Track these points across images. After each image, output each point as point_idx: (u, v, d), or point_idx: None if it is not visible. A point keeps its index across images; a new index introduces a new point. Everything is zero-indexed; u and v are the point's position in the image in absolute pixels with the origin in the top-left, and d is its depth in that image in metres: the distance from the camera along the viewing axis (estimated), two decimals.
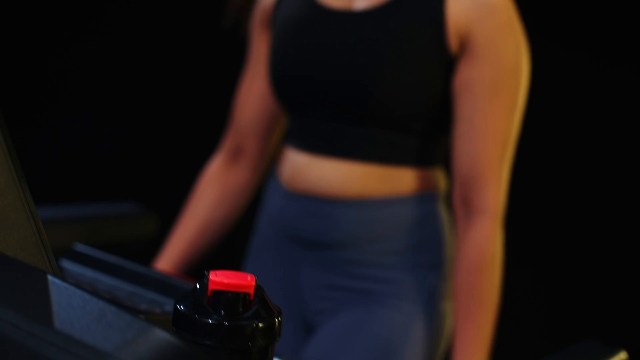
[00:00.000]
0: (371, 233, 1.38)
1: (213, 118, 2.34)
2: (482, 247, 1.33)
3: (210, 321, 0.65)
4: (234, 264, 2.14)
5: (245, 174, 1.62)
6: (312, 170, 1.42)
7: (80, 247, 1.18)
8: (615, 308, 2.72)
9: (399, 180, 1.39)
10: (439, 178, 1.45)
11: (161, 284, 1.01)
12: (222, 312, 0.66)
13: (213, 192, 1.62)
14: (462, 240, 1.36)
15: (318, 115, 1.41)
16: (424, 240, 1.41)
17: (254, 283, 0.68)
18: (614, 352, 0.96)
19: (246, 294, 0.67)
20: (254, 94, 1.57)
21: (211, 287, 0.67)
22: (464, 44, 1.33)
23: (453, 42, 1.33)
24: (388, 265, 1.40)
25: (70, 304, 0.55)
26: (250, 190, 1.64)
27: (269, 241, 1.50)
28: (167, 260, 1.59)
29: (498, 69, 1.31)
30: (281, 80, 1.45)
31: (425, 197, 1.41)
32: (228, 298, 0.66)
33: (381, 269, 1.40)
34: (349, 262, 1.40)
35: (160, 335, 0.53)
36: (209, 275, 0.68)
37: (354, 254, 1.40)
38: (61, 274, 0.85)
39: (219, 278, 0.67)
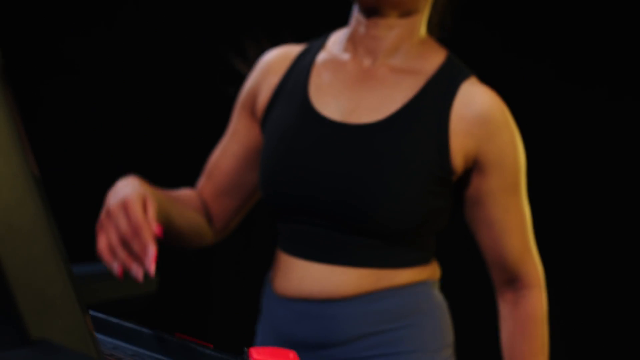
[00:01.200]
0: (369, 327, 1.38)
1: None
2: (537, 317, 1.45)
3: None
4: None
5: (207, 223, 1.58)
6: (305, 276, 1.40)
7: (91, 313, 1.19)
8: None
9: (395, 277, 1.39)
10: (434, 269, 1.47)
11: (187, 352, 1.01)
12: None
13: (193, 195, 1.56)
14: (514, 315, 1.47)
15: (312, 223, 1.39)
16: (424, 326, 1.41)
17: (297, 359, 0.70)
18: None
19: None
20: (224, 167, 1.55)
21: None
22: (475, 161, 1.36)
23: (457, 160, 1.35)
24: (391, 354, 1.39)
25: None
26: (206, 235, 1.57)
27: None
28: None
29: (513, 172, 1.38)
30: (274, 187, 1.41)
31: (420, 285, 1.42)
32: None
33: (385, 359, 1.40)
34: (352, 358, 1.39)
35: None
36: (248, 351, 0.70)
37: (355, 350, 1.39)
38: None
39: (261, 356, 0.69)
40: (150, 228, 1.16)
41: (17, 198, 0.65)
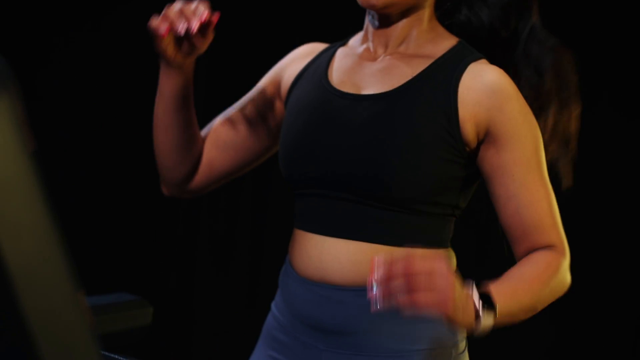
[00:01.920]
0: (388, 317, 1.37)
1: None
2: (553, 266, 1.37)
3: None
4: None
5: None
6: (323, 254, 1.43)
7: None
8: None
9: None
10: (451, 256, 1.47)
11: None
12: None
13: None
14: (530, 255, 1.39)
15: (329, 196, 1.43)
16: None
17: None
18: None
19: None
20: (232, 121, 1.60)
21: None
22: (487, 133, 1.38)
23: (467, 129, 1.38)
24: (408, 349, 1.41)
25: None
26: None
27: (284, 326, 1.50)
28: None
29: (527, 146, 1.38)
30: (292, 161, 1.47)
31: None
32: None
33: (403, 355, 1.41)
34: (370, 349, 1.41)
35: None
36: None
37: (374, 341, 1.41)
38: None
39: None
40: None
41: (39, 246, 0.66)
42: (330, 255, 1.42)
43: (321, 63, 1.54)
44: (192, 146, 1.56)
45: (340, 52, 1.54)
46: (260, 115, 1.60)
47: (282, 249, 1.57)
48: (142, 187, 3.03)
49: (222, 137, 1.60)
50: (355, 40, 1.55)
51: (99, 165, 2.99)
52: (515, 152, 1.38)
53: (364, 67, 1.48)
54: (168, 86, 1.49)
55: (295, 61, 1.60)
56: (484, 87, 1.38)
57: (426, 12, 1.46)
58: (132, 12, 2.96)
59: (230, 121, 1.60)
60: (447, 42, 1.46)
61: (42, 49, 2.94)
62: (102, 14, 2.99)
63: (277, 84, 1.60)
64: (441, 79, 1.40)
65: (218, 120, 1.62)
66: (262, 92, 1.60)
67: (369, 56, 1.49)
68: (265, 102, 1.60)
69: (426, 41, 1.46)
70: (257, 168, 3.00)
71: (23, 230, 0.66)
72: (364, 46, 1.50)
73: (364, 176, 1.38)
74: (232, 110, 1.61)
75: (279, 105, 1.60)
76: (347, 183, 1.40)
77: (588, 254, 2.71)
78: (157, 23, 1.37)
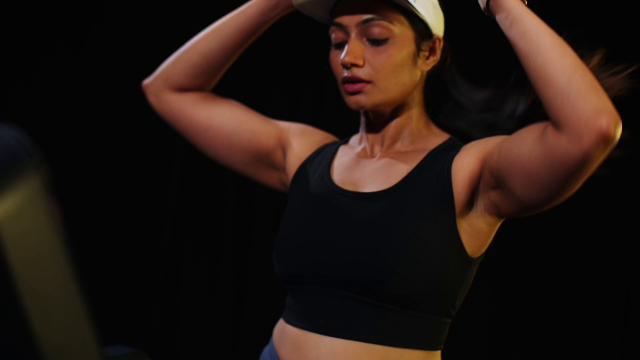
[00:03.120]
0: None
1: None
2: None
3: None
4: None
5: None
6: (313, 349, 1.42)
7: None
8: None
9: (403, 358, 1.40)
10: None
11: None
12: None
13: None
14: None
15: (326, 294, 1.42)
16: None
17: None
18: None
19: None
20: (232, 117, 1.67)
21: None
22: (479, 173, 1.39)
23: (463, 199, 1.40)
24: None
25: None
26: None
27: None
28: None
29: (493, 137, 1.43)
30: (289, 257, 1.47)
31: None
32: None
33: None
34: None
35: None
36: None
37: None
38: None
39: None
40: None
41: (69, 323, 0.68)
42: (321, 352, 1.41)
43: (324, 158, 1.58)
44: (219, 71, 1.66)
45: (341, 151, 1.59)
46: (260, 139, 1.65)
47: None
48: (123, 231, 3.04)
49: (234, 113, 1.66)
50: (354, 140, 1.61)
51: (82, 203, 2.99)
52: (490, 142, 1.39)
53: (362, 166, 1.52)
54: (257, 9, 1.60)
55: (305, 140, 1.65)
56: (463, 150, 1.43)
57: (415, 111, 1.52)
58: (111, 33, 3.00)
59: (245, 114, 1.66)
60: (438, 138, 1.51)
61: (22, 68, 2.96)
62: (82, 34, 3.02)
63: (282, 142, 1.65)
64: (435, 169, 1.43)
65: (242, 107, 1.68)
66: (270, 130, 1.65)
67: (366, 155, 1.54)
68: (259, 140, 1.64)
69: (419, 138, 1.51)
70: (239, 208, 3.03)
71: (54, 308, 0.67)
72: (362, 146, 1.56)
73: (362, 276, 1.38)
74: (253, 114, 1.67)
75: (278, 154, 1.66)
76: (345, 281, 1.39)
77: (577, 254, 2.77)
78: None
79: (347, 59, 1.42)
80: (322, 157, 1.60)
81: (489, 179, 1.36)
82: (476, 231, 1.41)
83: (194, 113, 1.66)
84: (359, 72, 1.43)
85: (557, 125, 1.21)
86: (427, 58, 1.49)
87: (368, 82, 1.43)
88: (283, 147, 1.65)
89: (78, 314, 0.68)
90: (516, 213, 1.36)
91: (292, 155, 1.64)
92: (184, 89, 1.67)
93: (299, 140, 1.65)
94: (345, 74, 1.44)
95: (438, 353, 1.46)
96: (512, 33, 1.28)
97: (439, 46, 1.49)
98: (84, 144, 3.03)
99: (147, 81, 1.70)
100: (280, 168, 1.67)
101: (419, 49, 1.46)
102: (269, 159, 1.66)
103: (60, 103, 3.00)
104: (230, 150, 1.66)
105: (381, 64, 1.42)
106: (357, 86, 1.44)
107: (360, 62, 1.43)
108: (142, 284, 3.10)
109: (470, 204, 1.41)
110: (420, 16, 1.44)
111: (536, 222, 1.67)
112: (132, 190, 3.07)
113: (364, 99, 1.44)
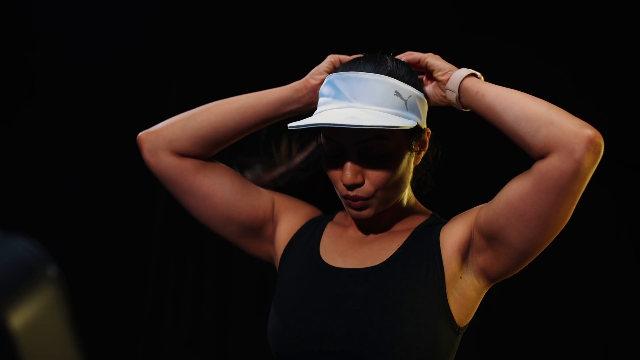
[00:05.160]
0: None
1: None
2: None
3: None
4: None
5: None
6: None
7: None
8: None
9: None
10: None
11: None
12: None
13: None
14: None
15: None
16: None
17: None
18: None
19: None
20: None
21: None
22: (469, 240, 1.44)
23: (454, 267, 1.45)
24: None
25: None
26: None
27: None
28: None
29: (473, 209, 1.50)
30: (284, 338, 1.49)
31: None
32: None
33: None
34: None
35: None
36: None
37: None
38: None
39: None
40: None
41: None
42: None
43: (312, 235, 1.60)
44: (226, 144, 1.63)
45: (329, 228, 1.60)
46: (250, 207, 1.64)
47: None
48: (105, 291, 3.04)
49: (227, 181, 1.64)
50: (340, 217, 1.63)
51: (64, 267, 2.98)
52: (474, 210, 1.45)
53: (350, 244, 1.55)
54: (281, 96, 1.59)
55: (293, 213, 1.66)
56: (449, 222, 1.49)
57: (404, 195, 1.55)
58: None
59: (244, 186, 1.65)
60: (422, 215, 1.56)
61: None
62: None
63: (274, 216, 1.66)
64: (423, 243, 1.48)
65: (240, 177, 1.67)
66: (266, 203, 1.66)
67: (355, 234, 1.57)
68: (253, 209, 1.65)
69: (406, 217, 1.56)
70: (222, 258, 3.04)
71: None
72: (350, 225, 1.59)
73: (357, 354, 1.40)
74: (248, 185, 1.66)
75: (269, 227, 1.66)
76: (344, 358, 1.41)
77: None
78: None
79: (348, 180, 1.43)
80: (310, 234, 1.61)
81: (479, 241, 1.41)
82: (465, 299, 1.45)
83: (195, 180, 1.62)
84: (361, 192, 1.45)
85: (546, 153, 1.29)
86: (419, 153, 1.52)
87: (370, 197, 1.46)
88: (274, 221, 1.67)
89: None
90: (510, 268, 1.41)
91: (282, 229, 1.65)
92: (185, 154, 1.61)
93: (289, 215, 1.66)
94: (347, 192, 1.45)
95: None
96: (486, 101, 1.38)
97: (429, 137, 1.53)
98: (60, 211, 3.03)
99: (144, 135, 1.64)
100: (269, 240, 1.68)
101: (412, 150, 1.49)
102: (261, 231, 1.67)
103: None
104: (226, 221, 1.64)
105: (380, 180, 1.44)
106: (359, 203, 1.46)
107: (360, 180, 1.44)
108: (124, 345, 3.08)
109: (460, 272, 1.44)
110: (413, 126, 1.44)
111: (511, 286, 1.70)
112: (114, 249, 3.07)
113: (367, 213, 1.48)
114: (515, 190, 1.34)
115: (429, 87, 1.50)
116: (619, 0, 2.87)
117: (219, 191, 1.62)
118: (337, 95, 1.43)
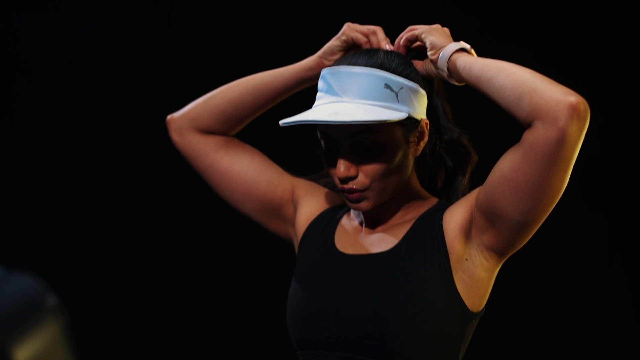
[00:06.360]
0: None
1: None
2: None
3: None
4: None
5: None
6: None
7: None
8: None
9: None
10: None
11: None
12: None
13: None
14: None
15: (335, 357, 1.47)
16: None
17: None
18: None
19: None
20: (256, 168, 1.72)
21: None
22: (470, 220, 1.45)
23: (459, 249, 1.46)
24: None
25: None
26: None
27: None
28: None
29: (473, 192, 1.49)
30: (303, 325, 1.52)
31: None
32: None
33: None
34: None
35: None
36: None
37: None
38: None
39: None
40: None
41: None
42: None
43: (330, 224, 1.63)
44: (246, 120, 1.73)
45: (345, 219, 1.63)
46: (273, 189, 1.70)
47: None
48: (97, 317, 3.04)
49: (254, 162, 1.71)
50: (354, 211, 1.63)
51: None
52: (473, 191, 1.47)
53: (361, 236, 1.57)
54: (295, 73, 1.66)
55: (314, 199, 1.69)
56: (451, 207, 1.50)
57: (409, 185, 1.55)
58: None
59: (265, 164, 1.72)
60: (428, 202, 1.56)
61: None
62: None
63: (295, 198, 1.70)
64: (428, 228, 1.49)
65: (262, 156, 1.74)
66: (287, 184, 1.71)
67: (364, 227, 1.58)
68: (280, 192, 1.70)
69: (411, 206, 1.56)
70: (215, 281, 3.05)
71: None
72: (359, 218, 1.60)
73: (369, 339, 1.43)
74: (272, 165, 1.73)
75: (289, 208, 1.70)
76: (357, 344, 1.44)
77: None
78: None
79: (341, 174, 1.46)
80: (328, 221, 1.64)
81: (480, 220, 1.43)
82: (475, 281, 1.46)
83: (216, 156, 1.71)
84: (355, 184, 1.46)
85: (531, 121, 1.31)
86: (417, 144, 1.51)
87: (365, 189, 1.47)
88: (295, 203, 1.70)
89: None
90: (514, 242, 1.42)
91: (302, 213, 1.68)
92: (208, 131, 1.72)
93: (310, 200, 1.69)
94: (342, 184, 1.48)
95: None
96: (474, 74, 1.41)
97: (427, 128, 1.51)
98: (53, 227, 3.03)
99: (172, 117, 1.76)
100: (289, 221, 1.72)
101: (408, 141, 1.49)
102: (280, 210, 1.71)
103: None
104: (245, 197, 1.71)
105: (375, 172, 1.46)
106: (355, 195, 1.48)
107: (354, 173, 1.46)
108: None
109: (465, 253, 1.45)
110: (405, 118, 1.45)
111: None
112: (106, 272, 3.07)
113: (364, 205, 1.49)
114: (507, 162, 1.36)
115: (425, 63, 1.52)
116: (608, 18, 2.90)
117: (238, 166, 1.71)
118: (329, 90, 1.46)
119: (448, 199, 1.60)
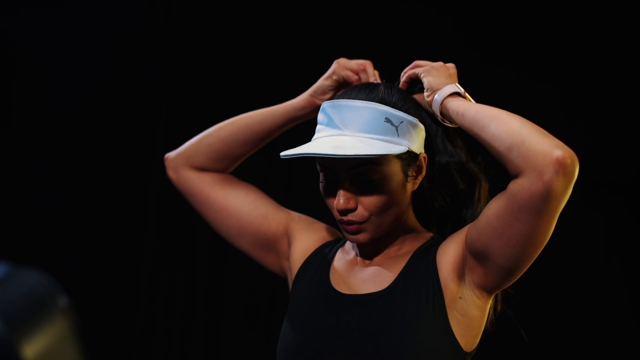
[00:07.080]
0: None
1: None
2: None
3: None
4: None
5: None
6: None
7: None
8: None
9: None
10: None
11: None
12: None
13: None
14: None
15: None
16: None
17: None
18: None
19: None
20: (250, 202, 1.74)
21: None
22: (463, 258, 1.45)
23: (452, 288, 1.45)
24: None
25: None
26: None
27: None
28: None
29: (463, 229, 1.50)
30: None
31: None
32: None
33: None
34: None
35: None
36: None
37: None
38: None
39: None
40: None
41: None
42: None
43: (324, 261, 1.62)
44: (240, 158, 1.77)
45: (339, 254, 1.62)
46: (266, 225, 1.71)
47: None
48: (96, 314, 3.04)
49: (250, 197, 1.74)
50: (349, 242, 1.64)
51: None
52: (465, 228, 1.47)
53: (355, 271, 1.56)
54: (286, 112, 1.71)
55: (310, 234, 1.69)
56: (444, 242, 1.50)
57: (404, 219, 1.55)
58: None
59: (260, 199, 1.74)
60: (423, 237, 1.57)
61: None
62: None
63: (290, 233, 1.70)
64: (422, 265, 1.49)
65: (258, 192, 1.77)
66: (281, 218, 1.72)
67: (359, 260, 1.57)
68: (266, 226, 1.71)
69: (406, 240, 1.56)
70: (212, 283, 3.05)
71: None
72: (354, 252, 1.60)
73: None
74: (267, 200, 1.75)
75: (283, 243, 1.71)
76: None
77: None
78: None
79: (340, 206, 1.46)
80: (323, 258, 1.64)
81: (470, 259, 1.43)
82: (469, 319, 1.46)
83: (211, 192, 1.75)
84: (354, 217, 1.47)
85: (517, 173, 1.31)
86: (415, 178, 1.52)
87: (364, 222, 1.48)
88: (289, 237, 1.71)
89: None
90: (501, 283, 1.43)
91: (297, 248, 1.68)
92: (204, 169, 1.77)
93: (305, 234, 1.70)
94: (341, 216, 1.48)
95: None
96: (467, 121, 1.42)
97: (425, 162, 1.52)
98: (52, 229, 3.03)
99: (168, 156, 1.81)
100: (283, 256, 1.72)
101: (407, 175, 1.50)
102: (275, 244, 1.72)
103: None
104: (239, 232, 1.73)
105: (374, 205, 1.46)
106: (354, 227, 1.48)
107: (353, 206, 1.47)
108: None
109: (459, 292, 1.45)
110: (404, 152, 1.45)
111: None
112: (105, 273, 3.07)
113: (362, 237, 1.49)
114: (494, 209, 1.37)
115: (422, 99, 1.54)
116: (606, 14, 2.91)
117: (233, 202, 1.73)
118: (329, 123, 1.47)
119: (452, 228, 1.59)
